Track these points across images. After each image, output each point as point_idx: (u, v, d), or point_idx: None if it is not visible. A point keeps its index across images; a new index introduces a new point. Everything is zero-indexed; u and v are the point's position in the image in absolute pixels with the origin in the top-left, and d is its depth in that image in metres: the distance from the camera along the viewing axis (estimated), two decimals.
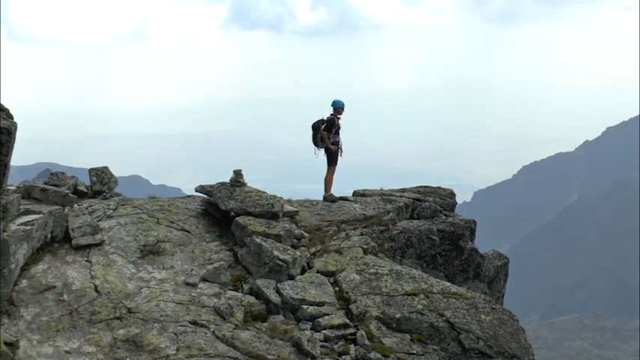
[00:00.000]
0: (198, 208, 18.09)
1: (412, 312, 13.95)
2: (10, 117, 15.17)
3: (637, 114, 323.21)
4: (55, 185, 17.77)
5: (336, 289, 14.72)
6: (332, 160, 20.63)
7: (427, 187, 21.47)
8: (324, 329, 13.31)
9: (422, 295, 14.47)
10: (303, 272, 15.21)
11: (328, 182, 20.68)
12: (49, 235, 15.07)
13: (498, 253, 20.75)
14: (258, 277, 14.63)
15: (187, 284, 14.39)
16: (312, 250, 16.39)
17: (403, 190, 21.08)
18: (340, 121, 20.63)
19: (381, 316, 13.85)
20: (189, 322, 12.94)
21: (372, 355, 12.79)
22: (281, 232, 16.19)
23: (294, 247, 16.17)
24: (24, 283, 13.53)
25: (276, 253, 14.87)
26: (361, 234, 17.24)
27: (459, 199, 22.17)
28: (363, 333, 13.27)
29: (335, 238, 17.06)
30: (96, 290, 13.62)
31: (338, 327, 13.41)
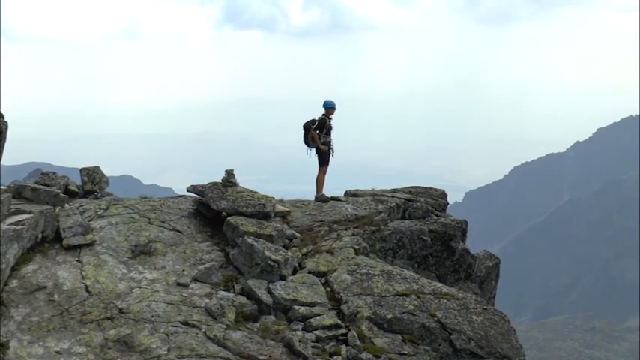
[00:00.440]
0: (189, 208, 18.07)
1: (403, 312, 13.95)
2: (1, 116, 15.14)
3: (628, 115, 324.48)
4: (46, 185, 17.73)
5: (328, 289, 14.71)
6: (323, 160, 20.63)
7: (419, 187, 21.49)
8: (316, 329, 13.31)
9: (413, 296, 14.48)
10: (294, 272, 15.20)
11: (320, 182, 20.69)
12: (39, 235, 15.03)
13: (490, 253, 20.77)
14: (250, 278, 14.62)
15: (179, 284, 14.37)
16: (304, 250, 16.38)
17: (395, 191, 21.09)
18: (332, 122, 20.63)
19: (373, 316, 13.85)
20: (181, 323, 12.92)
21: (364, 355, 12.79)
22: (272, 233, 16.19)
23: (285, 247, 16.16)
24: (14, 283, 13.49)
25: (267, 253, 14.86)
26: (353, 234, 17.23)
27: (451, 200, 22.21)
28: (355, 333, 13.27)
29: (326, 238, 17.05)
30: (87, 290, 13.59)
31: (329, 327, 13.40)
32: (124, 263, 14.93)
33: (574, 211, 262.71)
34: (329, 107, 20.54)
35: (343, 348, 12.96)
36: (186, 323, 12.92)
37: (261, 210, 16.90)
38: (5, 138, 14.95)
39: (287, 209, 18.55)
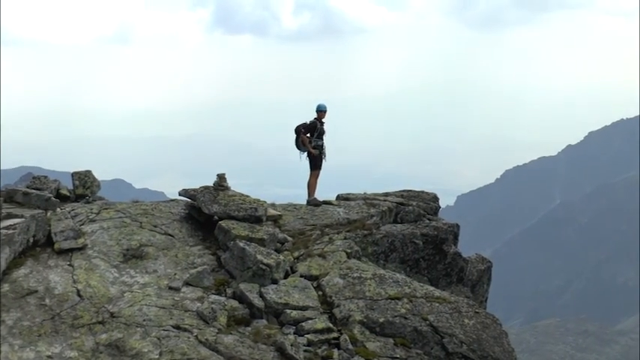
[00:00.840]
0: (181, 212, 18.05)
1: (396, 316, 13.95)
2: None
3: (619, 118, 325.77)
4: (37, 189, 17.69)
5: (320, 293, 14.70)
6: (314, 164, 20.63)
7: (410, 191, 21.52)
8: (308, 333, 13.29)
9: (405, 300, 14.48)
10: (286, 276, 15.18)
11: (311, 186, 20.69)
12: (31, 239, 15.00)
13: (481, 257, 20.79)
14: (242, 281, 14.60)
15: (170, 288, 14.34)
16: (296, 254, 16.37)
17: (387, 194, 21.11)
18: (324, 126, 20.64)
19: (365, 320, 13.84)
20: (172, 327, 12.89)
21: (356, 359, 12.78)
22: (264, 236, 16.19)
23: (277, 251, 16.16)
24: (5, 287, 13.44)
25: (259, 257, 14.85)
26: (345, 238, 17.22)
27: (442, 203, 22.24)
28: (347, 337, 13.26)
29: (318, 242, 17.05)
30: (78, 295, 13.55)
31: (321, 331, 13.38)
32: (115, 267, 14.90)
33: (565, 214, 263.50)
34: (319, 111, 20.56)
35: (335, 352, 12.94)
36: (177, 327, 12.89)
37: (253, 214, 16.91)
38: None
39: (279, 213, 18.55)
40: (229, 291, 14.47)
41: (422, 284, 15.75)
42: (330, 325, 13.62)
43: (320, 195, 20.59)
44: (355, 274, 15.27)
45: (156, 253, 15.69)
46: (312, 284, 14.95)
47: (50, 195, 17.33)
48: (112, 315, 13.06)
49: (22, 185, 18.59)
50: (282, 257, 15.42)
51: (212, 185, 17.85)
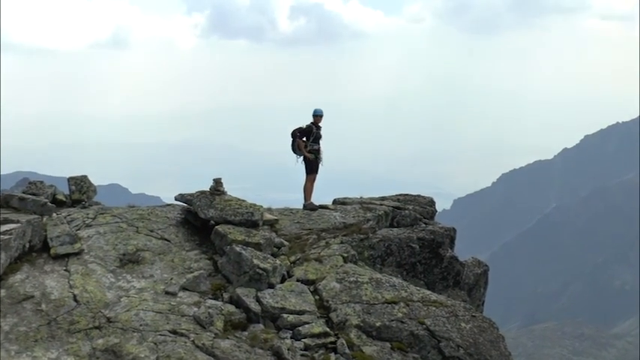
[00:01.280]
0: (177, 217, 18.03)
1: (392, 320, 13.96)
2: None
3: (614, 122, 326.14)
4: (33, 194, 17.66)
5: (317, 297, 14.71)
6: (310, 168, 20.63)
7: (407, 195, 21.52)
8: (305, 338, 13.30)
9: (402, 304, 14.49)
10: (283, 281, 15.19)
11: (308, 190, 20.68)
12: (27, 245, 14.97)
13: (478, 260, 20.80)
14: (238, 286, 14.60)
15: (167, 293, 14.33)
16: (292, 258, 16.37)
17: (383, 199, 21.11)
18: (320, 130, 20.64)
19: (362, 324, 13.85)
20: (169, 332, 12.88)
21: None
22: (261, 241, 16.19)
23: (274, 255, 16.16)
24: (2, 292, 13.42)
25: (256, 261, 14.85)
26: (341, 242, 17.23)
27: (439, 207, 22.24)
28: (344, 341, 13.27)
29: (315, 246, 17.05)
30: (75, 300, 13.54)
31: (318, 335, 13.39)
32: (112, 272, 14.88)
33: (562, 218, 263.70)
34: (315, 115, 20.58)
35: (332, 356, 12.95)
36: (174, 332, 12.88)
37: (250, 218, 16.90)
38: None
39: (275, 217, 18.55)
40: (226, 295, 14.47)
41: (418, 288, 15.76)
42: (327, 329, 13.63)
43: (316, 199, 20.59)
44: (352, 279, 15.28)
45: (152, 258, 15.68)
46: (308, 288, 14.96)
47: (46, 200, 17.30)
48: (108, 320, 13.05)
49: (18, 190, 18.55)
50: (278, 262, 15.42)
51: (208, 190, 17.83)
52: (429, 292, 15.74)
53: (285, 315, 13.81)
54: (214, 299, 14.28)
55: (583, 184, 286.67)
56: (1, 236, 13.92)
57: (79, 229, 16.45)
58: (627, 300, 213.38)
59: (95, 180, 19.97)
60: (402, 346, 13.53)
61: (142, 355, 12.13)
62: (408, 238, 18.02)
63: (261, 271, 14.67)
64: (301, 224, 18.68)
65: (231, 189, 18.32)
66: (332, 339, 13.42)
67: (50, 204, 17.25)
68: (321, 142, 20.67)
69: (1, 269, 13.78)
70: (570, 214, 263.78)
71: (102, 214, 17.58)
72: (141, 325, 12.95)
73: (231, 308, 13.91)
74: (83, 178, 19.35)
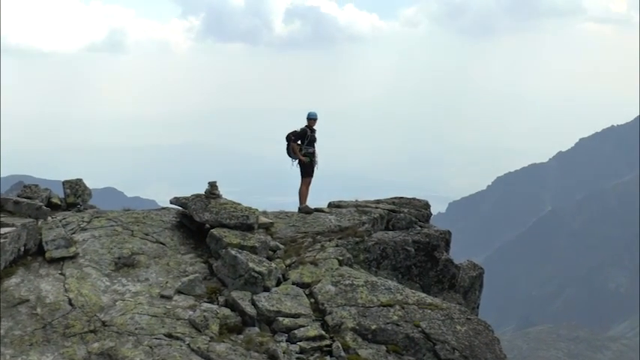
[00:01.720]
0: (173, 220, 18.03)
1: (388, 323, 13.96)
2: None
3: (609, 125, 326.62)
4: (28, 198, 17.64)
5: (312, 300, 14.71)
6: (305, 171, 20.65)
7: (402, 198, 21.55)
8: (300, 341, 13.30)
9: (397, 307, 14.50)
10: (278, 284, 15.19)
11: (303, 194, 20.70)
12: (22, 248, 14.96)
13: (473, 263, 20.83)
14: (234, 289, 14.60)
15: (162, 297, 14.32)
16: (288, 261, 16.38)
17: (378, 202, 21.13)
18: (315, 133, 20.66)
19: (357, 327, 13.85)
20: (165, 335, 12.87)
21: None
22: (256, 244, 16.19)
23: (269, 258, 16.16)
24: None
25: (251, 265, 14.85)
26: (336, 245, 17.24)
27: (434, 210, 22.27)
28: (339, 344, 13.27)
29: (310, 249, 17.05)
30: (70, 303, 13.52)
31: (314, 339, 13.39)
32: (107, 276, 14.87)
33: (557, 221, 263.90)
34: (310, 118, 20.60)
35: (328, 359, 12.96)
36: (169, 336, 12.88)
37: (245, 222, 16.90)
38: None
39: (270, 221, 18.55)
40: (221, 299, 14.47)
41: (414, 291, 15.77)
42: (323, 332, 13.63)
43: (312, 202, 20.60)
44: (347, 282, 15.29)
45: (147, 262, 15.67)
46: (304, 292, 14.96)
47: (41, 204, 17.28)
48: (103, 324, 13.03)
49: (13, 194, 18.53)
50: (274, 265, 15.43)
51: (203, 193, 17.84)
52: (424, 294, 15.75)
53: (280, 318, 13.81)
54: (210, 303, 14.27)
55: (578, 187, 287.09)
56: None
57: (74, 233, 16.44)
58: (622, 302, 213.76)
59: (90, 183, 19.97)
60: (397, 349, 13.54)
61: (138, 359, 12.12)
62: (403, 241, 18.04)
63: (256, 275, 14.68)
64: (297, 227, 18.69)
65: (226, 192, 18.32)
66: (327, 342, 13.42)
67: (45, 207, 17.24)
68: (315, 145, 20.70)
69: None
70: (565, 217, 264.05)
71: (97, 217, 17.57)
72: (136, 329, 12.94)
73: (227, 312, 13.90)
74: (78, 182, 19.34)
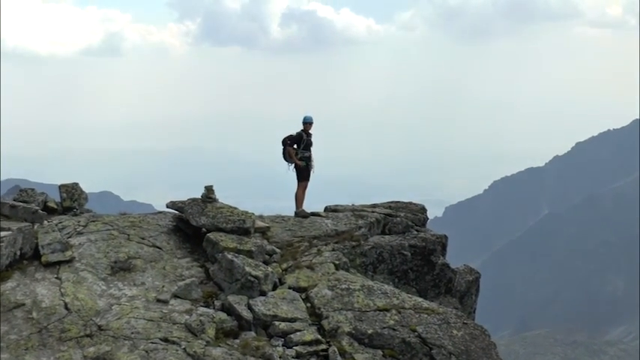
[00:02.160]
0: (169, 225, 18.02)
1: (384, 327, 13.96)
2: None
3: (606, 129, 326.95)
4: (24, 202, 17.63)
5: (308, 305, 14.70)
6: (301, 175, 20.66)
7: (398, 202, 21.57)
8: (296, 345, 13.29)
9: (394, 311, 14.50)
10: (274, 288, 15.18)
11: (299, 198, 20.70)
12: (18, 252, 14.93)
13: (470, 268, 20.84)
14: (230, 294, 14.59)
15: (158, 301, 14.31)
16: (284, 266, 16.37)
17: (374, 206, 21.14)
18: (311, 137, 20.67)
19: (353, 331, 13.84)
20: (161, 339, 12.85)
21: None
22: (252, 248, 16.18)
23: (265, 263, 16.15)
24: None
25: (247, 269, 14.84)
26: (333, 249, 17.24)
27: (430, 214, 22.27)
28: (335, 349, 13.26)
29: (307, 253, 17.05)
30: (66, 308, 13.50)
31: (310, 343, 13.39)
32: (103, 280, 14.86)
33: (553, 225, 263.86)
34: (306, 122, 20.62)
35: None
36: (166, 340, 12.86)
37: (241, 226, 16.90)
38: None
39: (267, 225, 18.55)
40: (218, 303, 14.46)
41: (410, 295, 15.78)
42: (319, 336, 13.62)
43: (308, 206, 20.60)
44: (343, 286, 15.29)
45: (144, 266, 15.66)
46: (300, 296, 14.96)
47: (37, 208, 17.27)
48: (99, 328, 13.02)
49: (9, 198, 18.51)
50: (270, 269, 15.43)
51: (200, 197, 17.84)
52: (420, 299, 15.75)
53: (276, 322, 13.80)
54: (206, 307, 14.27)
55: (575, 192, 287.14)
56: None
57: (70, 237, 16.42)
58: (619, 307, 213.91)
59: (86, 187, 19.95)
60: (393, 354, 13.54)
61: None
62: (399, 246, 18.04)
63: (252, 279, 14.67)
64: (293, 232, 18.70)
65: (222, 196, 18.33)
66: (324, 346, 13.41)
67: (41, 211, 17.22)
68: (311, 149, 20.70)
69: None
70: (562, 221, 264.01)
71: (93, 221, 17.55)
72: (132, 333, 12.93)
73: (223, 316, 13.89)
74: (74, 186, 19.32)
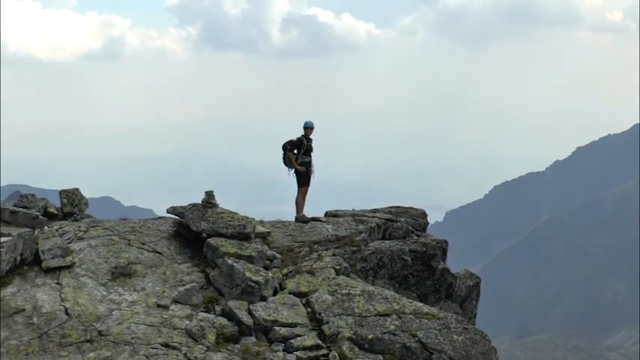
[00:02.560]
0: (169, 230, 18.02)
1: (384, 333, 13.94)
2: None
3: (606, 134, 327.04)
4: (24, 207, 17.64)
5: (309, 310, 14.69)
6: (301, 180, 20.67)
7: (399, 207, 21.53)
8: (297, 350, 13.27)
9: (394, 316, 14.48)
10: (275, 293, 15.17)
11: (299, 203, 20.71)
12: (18, 258, 14.94)
13: (470, 273, 20.82)
14: (230, 299, 14.59)
15: (159, 306, 14.31)
16: (285, 271, 16.36)
17: (375, 211, 21.12)
18: (312, 142, 20.69)
19: (354, 336, 13.83)
20: (161, 345, 12.85)
21: None
22: (253, 254, 16.18)
23: (266, 268, 16.15)
24: None
25: (248, 274, 14.84)
26: (333, 255, 17.22)
27: (431, 219, 22.25)
28: (336, 354, 13.25)
29: (307, 258, 17.04)
30: (66, 313, 13.51)
31: (310, 348, 13.36)
32: (103, 285, 14.86)
33: (554, 230, 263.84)
34: (306, 127, 20.64)
35: None
36: (166, 345, 12.86)
37: (242, 231, 16.89)
38: None
39: (267, 230, 18.55)
40: (218, 308, 14.45)
41: (411, 300, 15.76)
42: (319, 341, 13.60)
43: (308, 212, 20.60)
44: (344, 291, 15.27)
45: (144, 271, 15.66)
46: (300, 301, 14.94)
47: (38, 213, 17.29)
48: (100, 333, 13.02)
49: (10, 203, 18.52)
50: (270, 274, 15.42)
51: (200, 202, 17.84)
52: (421, 304, 15.73)
53: (277, 328, 13.79)
54: (206, 312, 14.26)
55: (575, 196, 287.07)
56: None
57: (70, 242, 16.42)
58: (620, 311, 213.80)
59: (87, 193, 19.95)
60: (394, 359, 13.52)
61: None
62: (400, 251, 18.03)
63: (253, 284, 14.67)
64: (293, 237, 18.70)
65: (223, 201, 18.31)
66: (324, 352, 13.39)
67: (42, 217, 17.25)
68: (312, 154, 20.72)
69: None
70: (562, 226, 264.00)
71: (94, 227, 17.55)
72: (133, 339, 12.93)
73: (224, 321, 13.89)
74: (75, 191, 19.33)
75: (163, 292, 14.90)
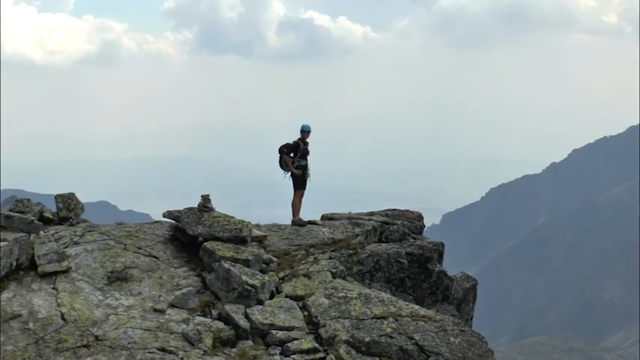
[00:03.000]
0: (165, 234, 18.00)
1: (381, 335, 13.94)
2: None
3: (602, 136, 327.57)
4: (20, 212, 17.61)
5: (305, 313, 14.68)
6: (298, 184, 20.69)
7: (395, 210, 21.54)
8: (294, 354, 13.27)
9: (391, 319, 14.47)
10: (271, 297, 15.17)
11: (295, 206, 20.72)
12: (14, 263, 14.91)
13: (467, 275, 20.82)
14: (227, 303, 14.57)
15: (155, 310, 14.29)
16: (281, 274, 16.36)
17: (371, 214, 21.13)
18: (308, 146, 20.71)
19: (351, 340, 13.82)
20: (158, 349, 12.83)
21: None
22: (249, 257, 16.16)
23: (262, 271, 16.13)
24: None
25: (244, 278, 14.83)
26: (330, 258, 17.22)
27: (428, 222, 22.27)
28: (333, 357, 13.24)
29: (303, 262, 17.04)
30: (62, 318, 13.48)
31: (307, 351, 13.36)
32: (100, 290, 14.84)
33: (550, 232, 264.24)
34: (303, 131, 20.67)
35: None
36: (163, 350, 12.84)
37: (238, 235, 16.88)
38: None
39: (263, 234, 18.54)
40: (215, 312, 14.44)
41: (407, 303, 15.75)
42: (316, 345, 13.59)
43: (305, 215, 20.60)
44: (341, 294, 15.27)
45: (140, 275, 15.64)
46: (297, 304, 14.94)
47: (33, 218, 17.26)
48: (96, 338, 12.99)
49: (5, 208, 18.49)
50: (267, 278, 15.41)
51: (196, 206, 17.83)
52: (417, 306, 15.72)
53: (274, 331, 13.78)
54: (203, 316, 14.25)
55: (571, 199, 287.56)
56: None
57: (66, 247, 16.39)
58: (617, 313, 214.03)
59: (83, 197, 19.93)
60: None
61: None
62: (396, 253, 18.02)
63: (249, 288, 14.66)
64: (290, 240, 18.69)
65: (219, 205, 18.29)
66: (321, 355, 13.38)
67: (37, 222, 17.22)
68: (308, 157, 20.73)
69: None
70: (559, 228, 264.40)
71: (90, 231, 17.52)
72: (129, 343, 12.91)
73: (220, 325, 13.88)
74: (70, 196, 19.30)
75: (160, 296, 14.88)
